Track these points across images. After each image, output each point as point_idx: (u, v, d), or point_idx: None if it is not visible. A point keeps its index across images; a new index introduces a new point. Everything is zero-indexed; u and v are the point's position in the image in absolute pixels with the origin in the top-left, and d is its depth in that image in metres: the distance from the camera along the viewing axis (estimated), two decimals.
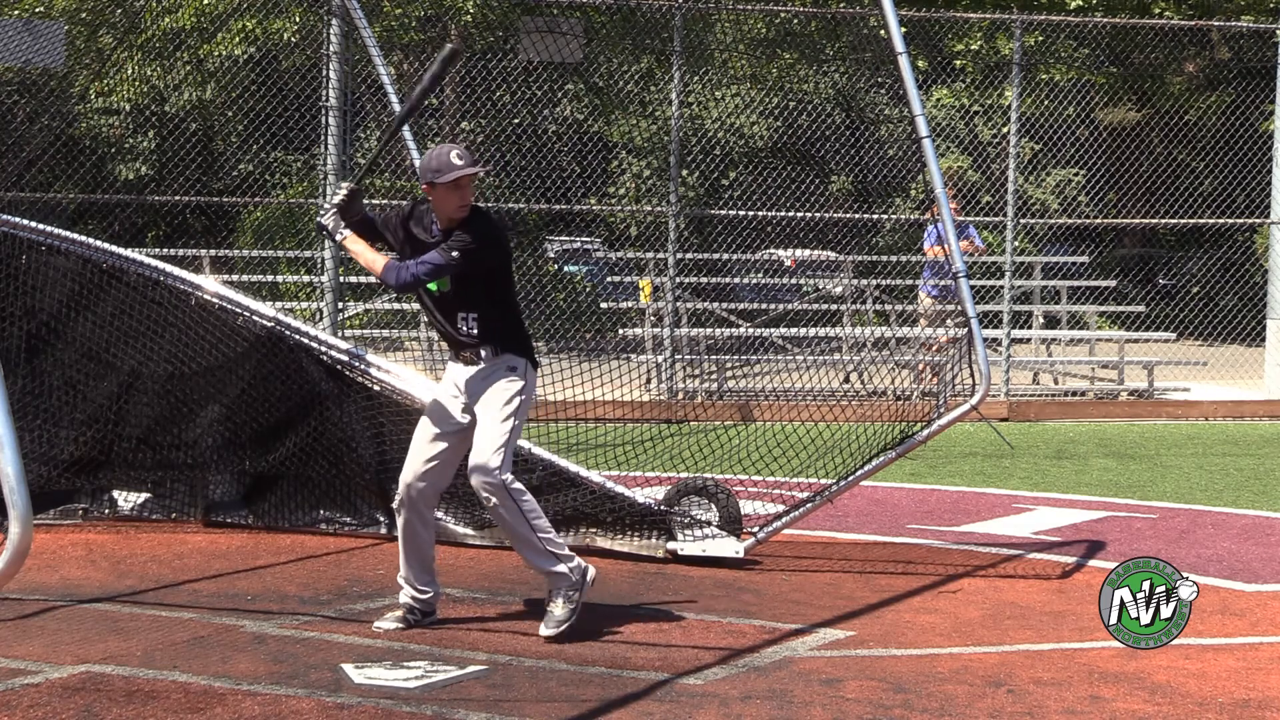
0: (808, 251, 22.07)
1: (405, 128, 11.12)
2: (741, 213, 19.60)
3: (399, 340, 18.97)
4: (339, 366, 9.76)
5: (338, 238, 7.64)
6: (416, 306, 19.60)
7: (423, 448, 7.67)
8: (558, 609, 7.50)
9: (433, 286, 7.58)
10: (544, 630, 7.48)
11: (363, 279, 19.26)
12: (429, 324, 8.03)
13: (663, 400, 16.96)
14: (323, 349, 9.82)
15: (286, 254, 20.84)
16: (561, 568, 7.53)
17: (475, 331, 7.60)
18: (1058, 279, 23.09)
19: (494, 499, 7.45)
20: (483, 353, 7.60)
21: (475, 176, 7.53)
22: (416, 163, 10.78)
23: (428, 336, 18.31)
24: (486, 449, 7.44)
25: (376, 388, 9.69)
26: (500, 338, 7.63)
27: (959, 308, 9.49)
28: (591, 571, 7.63)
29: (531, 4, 17.86)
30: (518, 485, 7.51)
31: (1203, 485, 12.91)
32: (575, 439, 10.97)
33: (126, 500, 10.08)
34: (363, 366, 9.76)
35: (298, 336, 9.84)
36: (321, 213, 7.77)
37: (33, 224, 10.01)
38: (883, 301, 20.73)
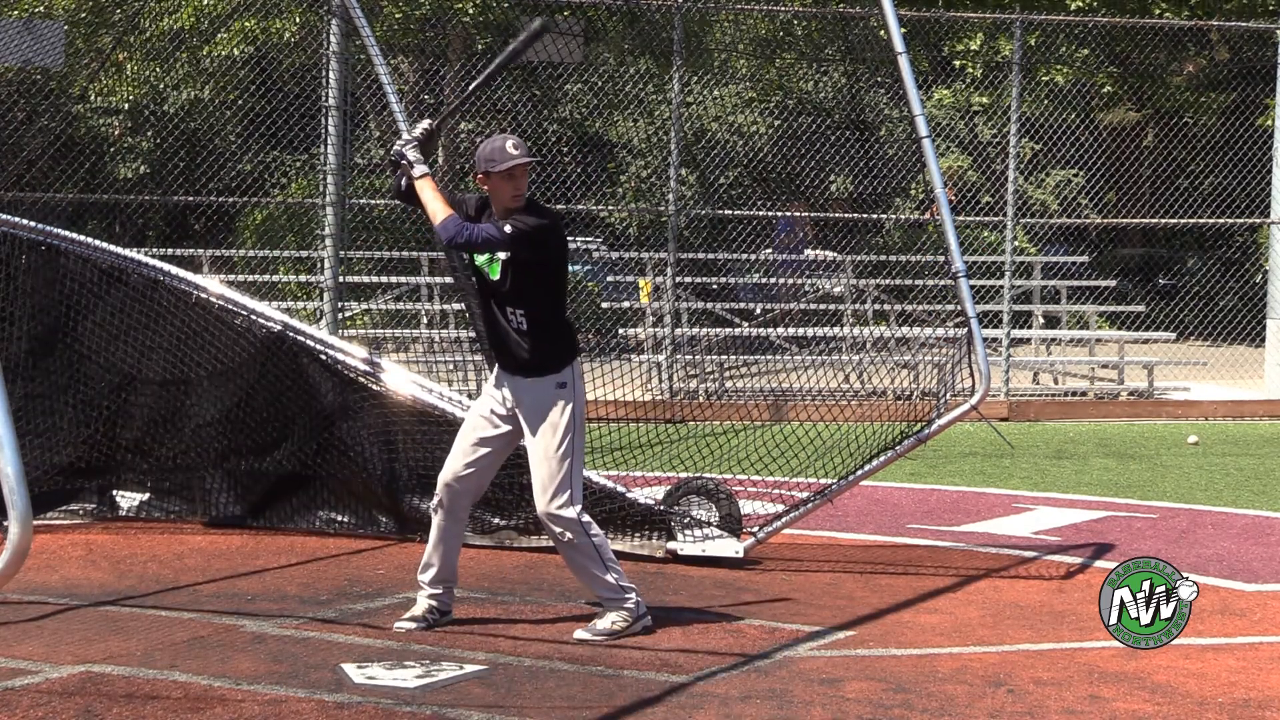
0: (808, 252, 22.06)
1: (406, 129, 11.11)
2: (741, 213, 19.60)
3: (400, 340, 18.96)
4: (339, 366, 9.77)
5: (416, 172, 7.51)
6: (417, 307, 19.60)
7: (464, 452, 7.64)
8: (604, 621, 7.56)
9: (488, 267, 7.47)
10: (580, 632, 7.54)
11: (363, 278, 19.26)
12: (473, 328, 7.94)
13: (663, 400, 16.96)
14: (322, 349, 9.83)
15: (286, 254, 20.83)
16: (628, 601, 7.57)
17: (524, 328, 7.47)
18: (1058, 279, 23.08)
19: (566, 534, 7.49)
20: (530, 359, 7.50)
21: (529, 167, 7.48)
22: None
23: (428, 337, 18.31)
24: (547, 486, 7.46)
25: (376, 387, 9.70)
26: (549, 339, 7.52)
27: (959, 307, 9.49)
28: (649, 619, 7.64)
29: (531, 4, 17.85)
30: (587, 518, 7.53)
31: (1203, 485, 12.91)
32: None
33: (126, 500, 10.08)
34: (362, 366, 9.77)
35: (298, 337, 9.85)
36: (401, 142, 7.60)
37: (33, 224, 10.02)
38: (883, 301, 20.73)
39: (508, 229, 7.37)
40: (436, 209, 7.47)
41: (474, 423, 7.69)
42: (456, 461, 7.65)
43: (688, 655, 7.28)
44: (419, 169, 7.53)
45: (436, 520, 7.70)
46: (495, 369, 7.72)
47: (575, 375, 7.57)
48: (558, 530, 7.51)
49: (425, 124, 7.66)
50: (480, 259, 7.52)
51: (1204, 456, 14.68)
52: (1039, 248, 23.98)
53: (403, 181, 7.59)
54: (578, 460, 7.52)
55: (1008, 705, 6.62)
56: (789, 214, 20.18)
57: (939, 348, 14.51)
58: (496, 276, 7.49)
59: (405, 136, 7.64)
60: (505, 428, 7.62)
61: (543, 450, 7.46)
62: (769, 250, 20.43)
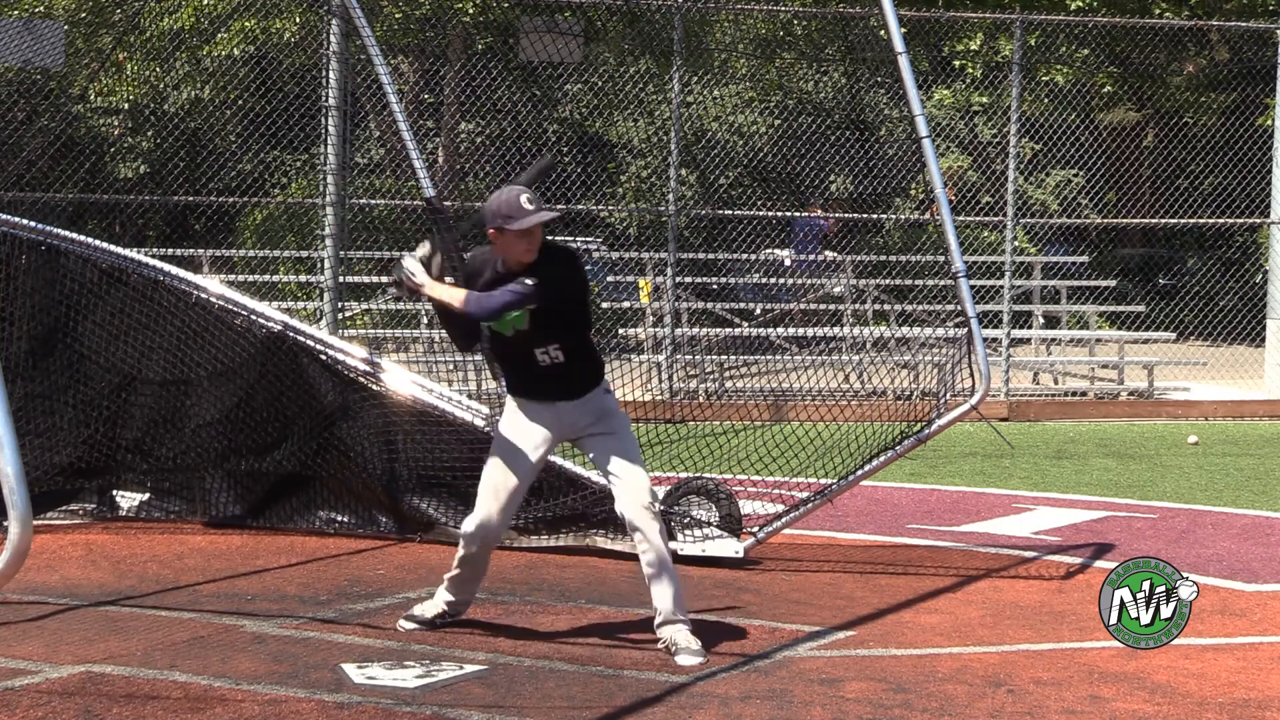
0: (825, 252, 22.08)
1: (406, 129, 11.11)
2: (741, 212, 19.60)
3: (400, 340, 18.96)
4: (339, 366, 9.77)
5: (425, 290, 7.28)
6: (417, 306, 19.59)
7: (497, 490, 7.38)
8: (684, 656, 7.16)
9: (506, 327, 7.27)
10: (685, 661, 7.15)
11: (363, 279, 19.26)
12: (490, 366, 7.78)
13: (663, 400, 16.96)
14: (322, 349, 9.84)
15: (286, 254, 20.85)
16: (682, 616, 7.30)
17: (561, 359, 7.29)
18: (1058, 279, 23.09)
19: (655, 533, 7.27)
20: (575, 385, 7.35)
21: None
22: (417, 163, 10.76)
23: (428, 336, 18.30)
24: (646, 484, 7.30)
25: (376, 387, 9.71)
26: (587, 359, 7.42)
27: (959, 307, 9.49)
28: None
29: (530, 3, 17.86)
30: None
31: (1203, 485, 12.91)
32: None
33: (126, 500, 10.08)
34: (362, 366, 9.77)
35: (298, 337, 9.85)
36: (400, 272, 7.34)
37: (33, 224, 10.02)
38: (883, 301, 20.74)
39: (530, 281, 7.13)
40: (453, 297, 7.25)
41: (505, 459, 7.41)
42: (492, 502, 7.37)
43: None
44: (425, 287, 7.29)
45: (471, 551, 7.45)
46: (522, 401, 7.43)
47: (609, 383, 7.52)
48: (654, 527, 7.24)
49: (424, 247, 7.45)
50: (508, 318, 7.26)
51: (1204, 456, 14.68)
52: (1039, 248, 23.99)
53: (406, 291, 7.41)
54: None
55: (1008, 705, 6.62)
56: (807, 215, 20.27)
57: (939, 348, 14.52)
58: (525, 325, 7.25)
59: (408, 264, 7.36)
60: (535, 458, 7.41)
61: (626, 450, 7.33)
62: (789, 251, 20.52)
